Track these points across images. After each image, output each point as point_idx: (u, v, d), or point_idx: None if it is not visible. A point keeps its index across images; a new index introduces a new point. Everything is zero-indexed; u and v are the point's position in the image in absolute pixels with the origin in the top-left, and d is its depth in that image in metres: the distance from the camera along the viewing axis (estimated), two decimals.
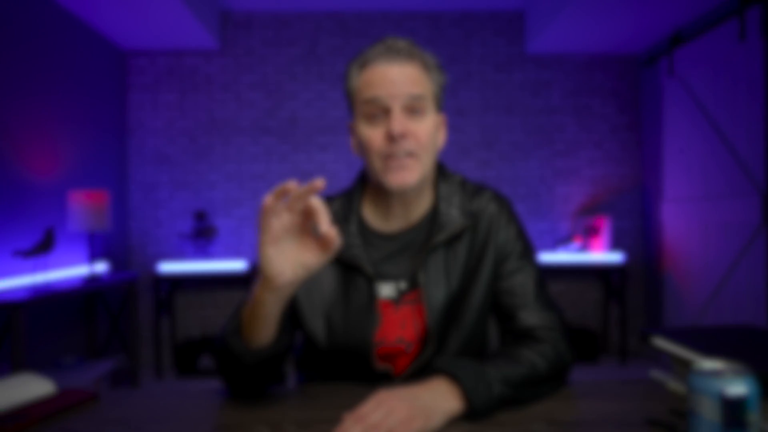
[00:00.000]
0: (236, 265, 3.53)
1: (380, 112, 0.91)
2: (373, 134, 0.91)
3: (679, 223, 3.47)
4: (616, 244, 3.84)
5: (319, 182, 0.70)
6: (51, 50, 2.90)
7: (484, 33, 3.89)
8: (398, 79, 0.90)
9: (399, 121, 0.89)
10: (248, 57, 3.83)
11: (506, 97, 3.89)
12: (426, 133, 0.92)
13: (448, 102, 3.79)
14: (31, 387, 0.85)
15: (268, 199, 0.71)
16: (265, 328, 0.80)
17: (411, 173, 0.91)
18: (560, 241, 3.81)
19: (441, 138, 1.00)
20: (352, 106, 0.96)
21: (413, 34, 3.80)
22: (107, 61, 3.56)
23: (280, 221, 0.73)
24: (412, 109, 0.91)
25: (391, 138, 0.89)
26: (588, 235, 3.72)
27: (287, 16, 3.83)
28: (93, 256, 2.94)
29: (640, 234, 3.90)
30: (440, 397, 0.75)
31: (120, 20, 3.22)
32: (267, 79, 3.84)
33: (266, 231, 0.73)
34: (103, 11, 3.08)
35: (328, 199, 1.05)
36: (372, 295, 0.94)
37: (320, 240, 0.73)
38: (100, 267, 3.21)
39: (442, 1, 3.71)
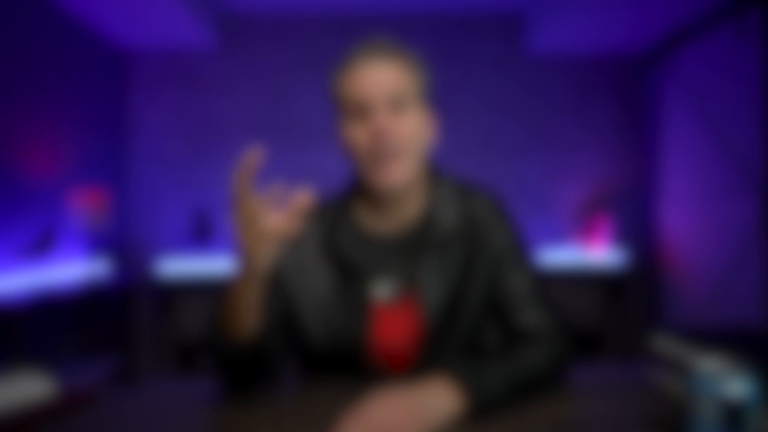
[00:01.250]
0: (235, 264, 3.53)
1: (363, 111, 0.90)
2: (358, 133, 0.91)
3: (679, 222, 3.47)
4: (616, 244, 3.84)
5: (304, 195, 0.75)
6: (51, 51, 2.90)
7: (484, 34, 3.88)
8: (380, 77, 0.90)
9: (381, 119, 0.88)
10: (248, 57, 3.82)
11: (506, 97, 3.89)
12: (409, 130, 0.91)
13: (448, 102, 3.79)
14: (30, 385, 0.85)
15: (246, 208, 0.74)
16: (248, 317, 0.81)
17: (398, 172, 0.90)
18: (559, 242, 3.81)
19: (429, 136, 0.99)
20: (338, 107, 0.96)
21: (413, 35, 3.80)
22: (107, 61, 3.56)
23: (266, 221, 0.76)
24: (395, 107, 0.90)
25: (375, 136, 0.88)
26: (587, 235, 3.72)
27: (287, 16, 3.83)
28: (93, 256, 2.94)
29: (640, 234, 3.90)
30: (440, 397, 0.75)
31: (120, 20, 3.22)
32: (267, 79, 3.84)
33: (252, 232, 0.75)
34: (103, 11, 3.08)
35: (323, 202, 1.05)
36: (367, 296, 0.95)
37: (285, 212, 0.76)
38: (100, 266, 3.20)
39: (442, 2, 3.71)
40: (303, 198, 0.75)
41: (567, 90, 3.90)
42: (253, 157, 0.72)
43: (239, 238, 0.76)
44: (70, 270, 2.99)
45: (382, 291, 0.96)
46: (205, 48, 3.75)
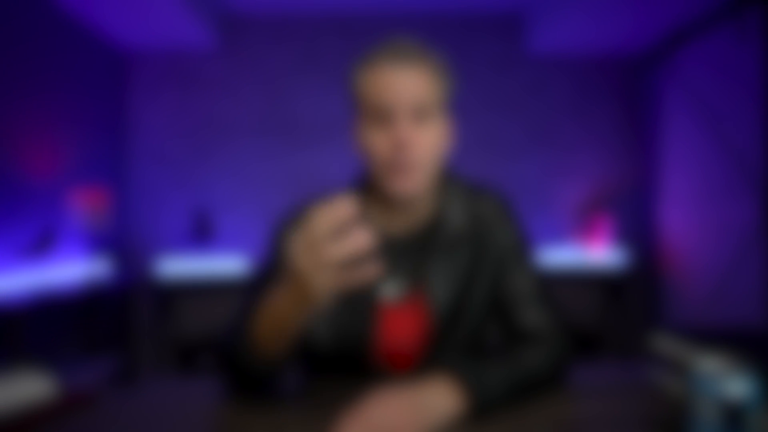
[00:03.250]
0: (236, 264, 3.53)
1: (385, 117, 0.87)
2: (377, 139, 0.88)
3: (679, 222, 3.47)
4: (616, 244, 3.84)
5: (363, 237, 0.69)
6: (51, 51, 2.90)
7: (484, 34, 3.88)
8: (405, 84, 0.86)
9: (404, 129, 0.85)
10: (248, 57, 3.82)
11: (506, 97, 3.89)
12: (430, 142, 0.89)
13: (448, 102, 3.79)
14: (30, 385, 0.85)
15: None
16: (287, 341, 0.79)
17: (414, 182, 0.88)
18: (559, 242, 3.80)
19: (446, 142, 0.97)
20: (356, 108, 0.92)
21: (413, 35, 3.80)
22: (107, 61, 3.56)
23: (329, 248, 0.70)
24: (418, 117, 0.87)
25: (396, 146, 0.85)
26: (587, 235, 3.72)
27: (288, 15, 3.82)
28: (93, 256, 2.94)
29: (640, 234, 3.90)
30: (440, 397, 0.75)
31: (120, 20, 3.22)
32: (267, 79, 3.83)
33: (313, 258, 0.69)
34: (103, 11, 3.07)
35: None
36: (374, 296, 0.94)
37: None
38: (100, 266, 3.20)
39: (442, 2, 3.71)
40: (362, 238, 0.69)
41: (567, 90, 3.90)
42: (347, 206, 0.68)
43: (297, 263, 0.70)
44: (70, 270, 2.99)
45: (390, 291, 0.96)
46: (206, 48, 3.75)
